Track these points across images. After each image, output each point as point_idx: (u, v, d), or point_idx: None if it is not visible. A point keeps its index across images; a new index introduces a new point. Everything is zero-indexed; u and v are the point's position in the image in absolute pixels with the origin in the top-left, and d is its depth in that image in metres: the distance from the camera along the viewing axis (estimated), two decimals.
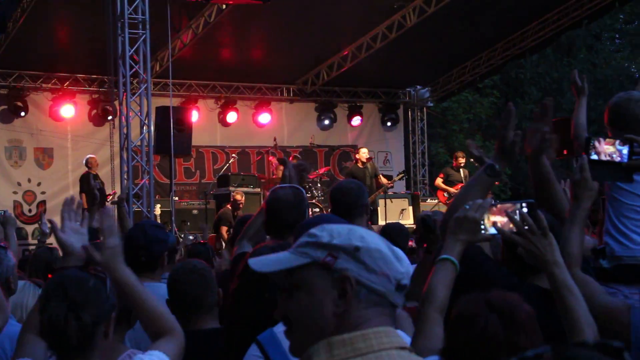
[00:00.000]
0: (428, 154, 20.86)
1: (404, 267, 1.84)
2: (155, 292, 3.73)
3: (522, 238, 2.69)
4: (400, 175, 16.38)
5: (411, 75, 19.05)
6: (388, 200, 15.27)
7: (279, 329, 2.73)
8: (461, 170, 15.77)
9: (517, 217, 2.74)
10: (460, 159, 15.90)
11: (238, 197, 14.37)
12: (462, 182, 15.07)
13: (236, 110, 18.20)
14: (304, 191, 4.00)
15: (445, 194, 15.52)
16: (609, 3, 15.19)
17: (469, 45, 17.33)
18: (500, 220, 2.78)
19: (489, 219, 2.78)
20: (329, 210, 4.80)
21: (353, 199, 4.27)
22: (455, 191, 15.11)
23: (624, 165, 3.12)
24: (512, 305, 2.13)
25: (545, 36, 16.69)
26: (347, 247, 1.84)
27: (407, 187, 19.06)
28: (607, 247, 4.30)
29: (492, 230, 2.80)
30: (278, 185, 4.11)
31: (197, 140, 15.70)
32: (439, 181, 16.03)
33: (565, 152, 13.05)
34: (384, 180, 15.61)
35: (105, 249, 2.84)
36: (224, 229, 13.60)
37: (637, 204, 4.23)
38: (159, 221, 12.77)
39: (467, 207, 2.78)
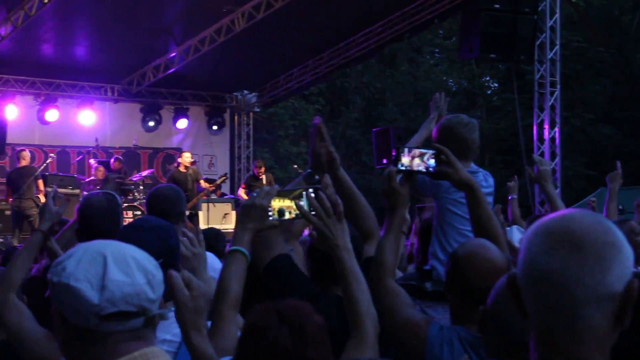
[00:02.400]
0: (253, 158, 20.95)
1: (106, 295, 1.80)
2: None
3: (317, 219, 2.70)
4: (222, 179, 16.38)
5: (239, 79, 19.07)
6: (211, 205, 15.20)
7: None
8: (263, 177, 16.00)
9: (306, 200, 2.79)
10: (258, 168, 16.14)
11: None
12: None
13: (57, 108, 17.52)
14: (117, 197, 3.90)
15: None
16: (428, 19, 15.85)
17: (296, 53, 17.57)
18: (289, 205, 2.83)
19: (276, 206, 2.82)
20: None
21: (169, 206, 4.21)
22: None
23: (435, 170, 3.22)
24: (302, 316, 2.12)
25: (369, 47, 17.16)
26: (50, 282, 1.86)
27: (231, 191, 19.06)
28: (434, 271, 4.41)
29: (285, 216, 2.84)
30: (91, 192, 3.99)
31: (13, 138, 15.01)
32: (241, 192, 16.20)
33: (384, 161, 13.50)
34: (205, 184, 15.56)
35: None
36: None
37: (467, 228, 4.36)
38: None
39: (255, 194, 2.80)
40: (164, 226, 2.98)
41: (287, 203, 2.85)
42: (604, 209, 6.37)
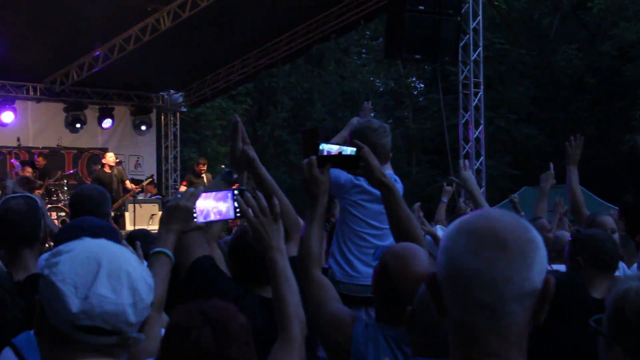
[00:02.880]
0: (181, 159, 20.78)
1: (86, 306, 1.76)
2: None
3: (255, 218, 2.71)
4: (148, 180, 16.20)
5: (165, 79, 18.86)
6: (137, 205, 14.99)
7: None
8: (204, 175, 15.94)
9: (234, 202, 2.80)
10: (201, 165, 16.07)
11: None
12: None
13: None
14: (38, 200, 3.80)
15: None
16: (354, 20, 15.96)
17: (223, 53, 17.49)
18: (212, 206, 2.84)
19: (199, 205, 2.82)
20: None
21: (94, 206, 4.15)
22: None
23: (358, 155, 3.22)
24: (226, 317, 2.12)
25: (296, 47, 17.21)
26: (41, 271, 1.83)
27: (159, 192, 18.85)
28: (330, 270, 4.46)
29: (211, 218, 2.85)
30: (9, 195, 3.86)
31: None
32: (182, 189, 16.09)
33: None
34: (130, 185, 15.37)
35: None
36: None
37: (364, 230, 4.42)
38: None
39: (179, 196, 2.79)
40: (104, 226, 2.94)
41: (211, 205, 2.85)
42: (534, 209, 6.52)
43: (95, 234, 2.79)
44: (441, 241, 1.58)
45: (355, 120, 5.51)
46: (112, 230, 2.97)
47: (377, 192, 4.39)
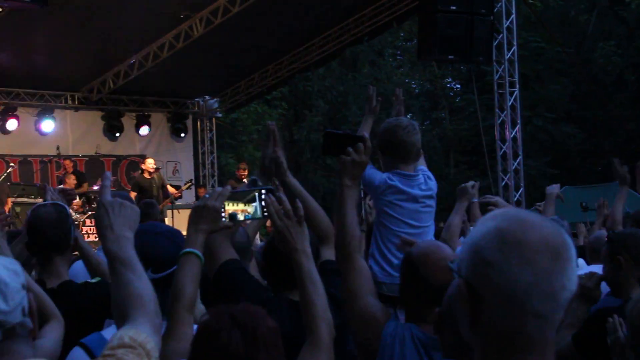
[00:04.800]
0: (218, 164, 20.90)
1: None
2: None
3: (280, 221, 2.72)
4: (188, 184, 16.31)
5: (200, 85, 19.01)
6: (176, 211, 15.10)
7: (109, 334, 2.70)
8: (245, 180, 16.02)
9: (261, 202, 2.81)
10: (242, 170, 16.12)
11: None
12: None
13: (17, 117, 17.31)
14: (67, 208, 3.83)
15: None
16: (386, 22, 15.93)
17: (257, 57, 17.56)
18: (241, 208, 2.83)
19: (227, 207, 2.81)
20: None
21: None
22: None
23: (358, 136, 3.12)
24: (255, 320, 2.13)
25: (328, 51, 17.24)
26: None
27: (197, 197, 18.98)
28: (370, 271, 4.46)
29: (239, 218, 2.85)
30: (39, 204, 3.88)
31: None
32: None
33: None
34: (171, 189, 15.48)
35: None
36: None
37: (402, 230, 4.40)
38: None
39: (207, 195, 2.78)
40: (173, 230, 2.99)
41: (240, 207, 2.86)
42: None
43: (168, 237, 2.90)
44: (478, 250, 1.54)
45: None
46: (180, 234, 3.04)
47: (412, 191, 4.42)
